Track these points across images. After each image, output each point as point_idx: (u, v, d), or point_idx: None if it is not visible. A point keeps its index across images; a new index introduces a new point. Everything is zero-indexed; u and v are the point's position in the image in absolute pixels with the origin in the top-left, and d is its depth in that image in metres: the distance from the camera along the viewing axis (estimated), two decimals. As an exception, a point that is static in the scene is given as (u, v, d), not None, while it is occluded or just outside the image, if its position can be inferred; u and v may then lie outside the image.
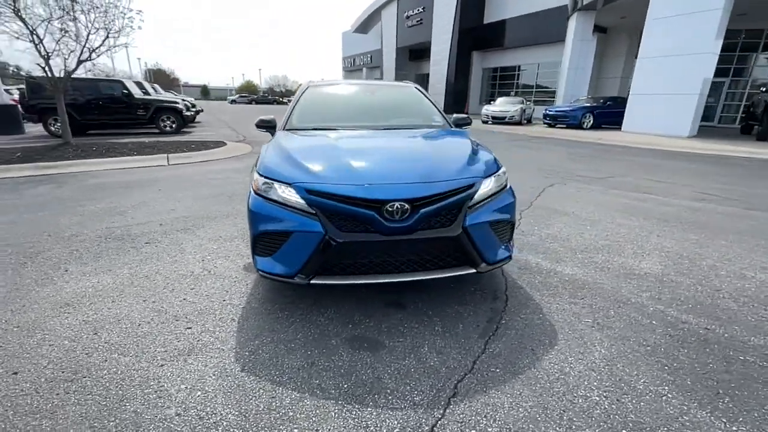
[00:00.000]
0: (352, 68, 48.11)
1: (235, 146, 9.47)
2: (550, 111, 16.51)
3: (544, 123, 16.96)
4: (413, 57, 35.16)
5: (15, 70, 13.56)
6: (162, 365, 1.80)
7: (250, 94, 69.74)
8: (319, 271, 2.12)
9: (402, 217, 2.07)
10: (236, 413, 1.53)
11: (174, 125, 12.67)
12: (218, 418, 1.51)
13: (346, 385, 1.69)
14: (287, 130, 3.23)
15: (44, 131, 11.45)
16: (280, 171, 2.29)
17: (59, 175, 6.11)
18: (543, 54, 23.91)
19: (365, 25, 42.96)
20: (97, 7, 7.55)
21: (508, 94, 24.50)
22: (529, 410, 1.56)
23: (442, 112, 3.64)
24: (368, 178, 2.18)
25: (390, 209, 2.06)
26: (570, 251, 3.21)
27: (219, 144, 9.52)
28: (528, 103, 19.04)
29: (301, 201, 2.11)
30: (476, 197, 2.25)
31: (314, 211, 2.08)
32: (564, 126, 15.92)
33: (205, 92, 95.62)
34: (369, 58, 42.69)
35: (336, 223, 2.07)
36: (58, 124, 11.23)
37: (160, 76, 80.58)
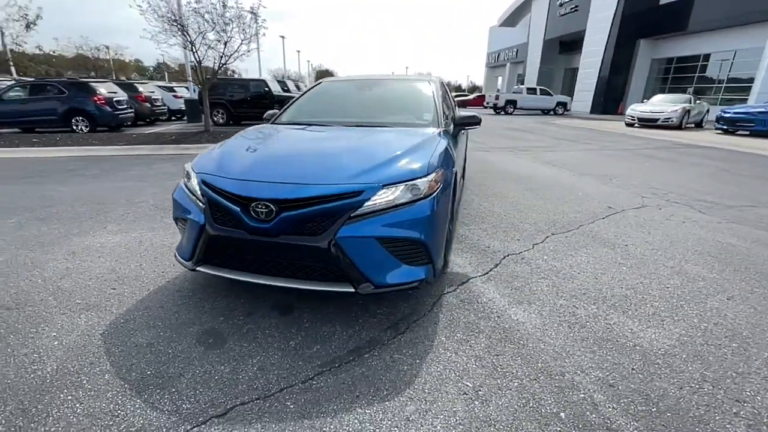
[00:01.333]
0: (495, 64, 45.91)
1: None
2: (726, 113, 12.42)
3: (717, 129, 12.93)
4: (564, 49, 31.35)
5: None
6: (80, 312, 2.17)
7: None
8: (203, 259, 2.19)
9: (266, 218, 1.96)
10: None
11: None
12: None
13: (149, 372, 1.73)
14: (273, 123, 3.37)
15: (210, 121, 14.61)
16: (203, 163, 2.42)
17: (187, 155, 7.74)
18: (742, 38, 18.16)
19: (513, 18, 40.31)
20: (233, 20, 9.17)
21: (685, 91, 19.47)
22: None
23: (440, 111, 3.22)
24: (253, 175, 2.13)
25: (256, 208, 1.97)
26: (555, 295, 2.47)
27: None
28: (699, 102, 14.82)
29: (198, 191, 2.21)
30: (366, 207, 1.96)
31: (204, 202, 2.15)
32: (747, 133, 11.85)
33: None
34: (514, 53, 39.96)
35: (214, 215, 2.10)
36: (221, 115, 14.30)
37: (322, 76, 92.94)
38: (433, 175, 2.19)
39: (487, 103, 26.11)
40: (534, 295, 2.45)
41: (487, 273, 2.75)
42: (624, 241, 3.36)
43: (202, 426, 1.46)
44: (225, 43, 9.19)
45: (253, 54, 10.21)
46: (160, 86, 17.39)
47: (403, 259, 2.06)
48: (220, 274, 2.14)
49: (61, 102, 11.19)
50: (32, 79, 13.80)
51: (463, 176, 5.06)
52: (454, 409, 1.56)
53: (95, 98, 11.30)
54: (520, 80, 36.20)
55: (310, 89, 3.85)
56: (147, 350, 1.88)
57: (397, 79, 4.14)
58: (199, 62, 9.43)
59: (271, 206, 1.96)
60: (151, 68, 57.95)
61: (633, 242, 3.33)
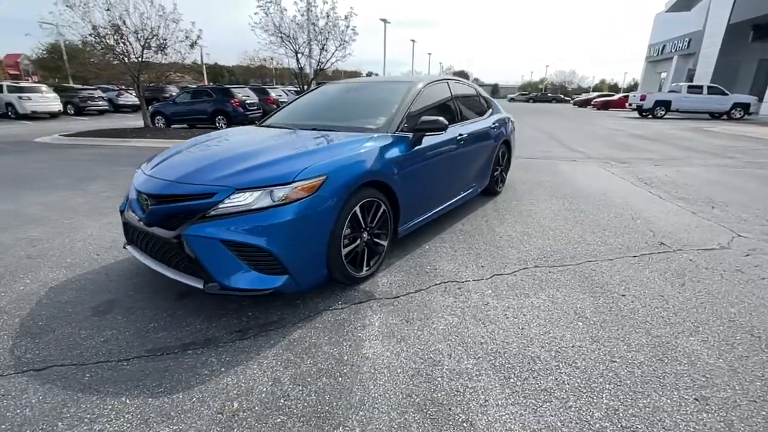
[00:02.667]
0: (658, 57, 38.07)
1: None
2: None
3: None
4: (759, 35, 23.99)
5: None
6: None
7: (532, 91, 68.62)
8: (128, 241, 2.57)
9: (146, 210, 2.20)
10: (-3, 306, 2.32)
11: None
12: None
13: (39, 323, 2.15)
14: (258, 124, 3.63)
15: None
16: (152, 158, 2.82)
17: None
18: None
19: (689, 0, 32.66)
20: (329, 30, 9.99)
21: None
22: None
23: (398, 115, 2.99)
24: (156, 171, 2.41)
25: (140, 200, 2.24)
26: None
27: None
28: None
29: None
30: (220, 209, 2.02)
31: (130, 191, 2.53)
32: None
33: (494, 90, 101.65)
34: (685, 43, 32.41)
35: (129, 204, 2.45)
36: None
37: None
38: (302, 182, 2.09)
39: (630, 104, 22.06)
40: (418, 333, 2.09)
41: (397, 297, 2.45)
42: (623, 291, 2.53)
43: (18, 375, 1.76)
44: (321, 50, 10.11)
45: (350, 58, 10.95)
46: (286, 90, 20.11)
47: (253, 265, 2.04)
48: (134, 254, 2.48)
49: (210, 104, 14.01)
50: (194, 86, 17.54)
51: (494, 184, 4.56)
52: (203, 425, 1.50)
53: (232, 101, 13.80)
54: (690, 76, 29.34)
55: (308, 92, 3.99)
56: (54, 304, 2.33)
57: (385, 80, 3.95)
58: (301, 68, 10.60)
59: (149, 200, 2.18)
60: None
61: (636, 296, 2.48)
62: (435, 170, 3.30)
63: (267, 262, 2.03)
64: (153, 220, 2.17)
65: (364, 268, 2.60)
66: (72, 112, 19.95)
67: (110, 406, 1.59)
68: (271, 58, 53.14)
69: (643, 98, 20.17)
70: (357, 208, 2.41)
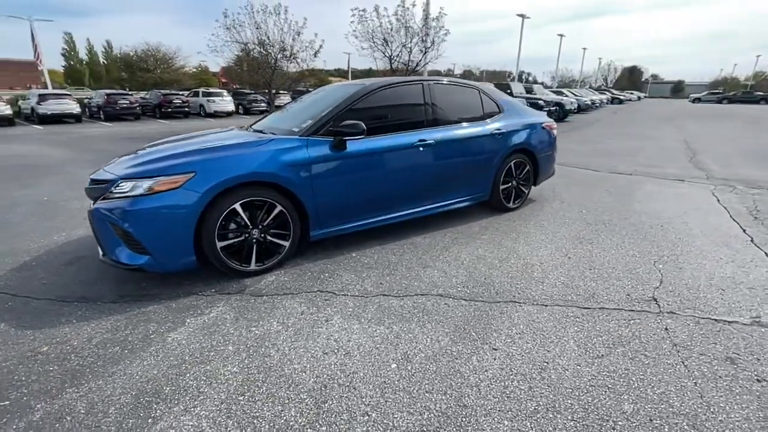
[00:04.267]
0: None
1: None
2: None
3: None
4: None
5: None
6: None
7: (729, 89, 53.28)
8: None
9: None
10: (29, 247, 3.33)
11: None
12: (28, 245, 3.39)
13: (34, 264, 3.01)
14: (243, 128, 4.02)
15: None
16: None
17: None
18: None
19: None
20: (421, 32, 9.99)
21: None
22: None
23: (320, 119, 3.00)
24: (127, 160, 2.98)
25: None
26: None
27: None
28: None
29: None
30: (113, 193, 2.47)
31: None
32: None
33: (677, 89, 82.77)
34: None
35: None
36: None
37: (626, 75, 78.75)
38: (165, 177, 2.39)
39: None
40: (232, 331, 2.13)
41: (261, 296, 2.50)
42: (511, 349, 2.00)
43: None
44: (410, 52, 10.22)
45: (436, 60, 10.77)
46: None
47: (127, 243, 2.43)
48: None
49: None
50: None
51: (499, 198, 4.12)
52: None
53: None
54: None
55: (309, 95, 4.21)
56: (58, 255, 3.19)
57: (342, 85, 3.82)
58: (393, 71, 10.93)
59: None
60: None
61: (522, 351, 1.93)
62: (375, 176, 3.15)
63: (133, 242, 2.39)
64: (90, 196, 2.75)
65: (253, 264, 2.73)
66: (241, 111, 25.05)
67: (-9, 328, 2.19)
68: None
69: None
70: (237, 206, 2.56)
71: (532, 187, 4.52)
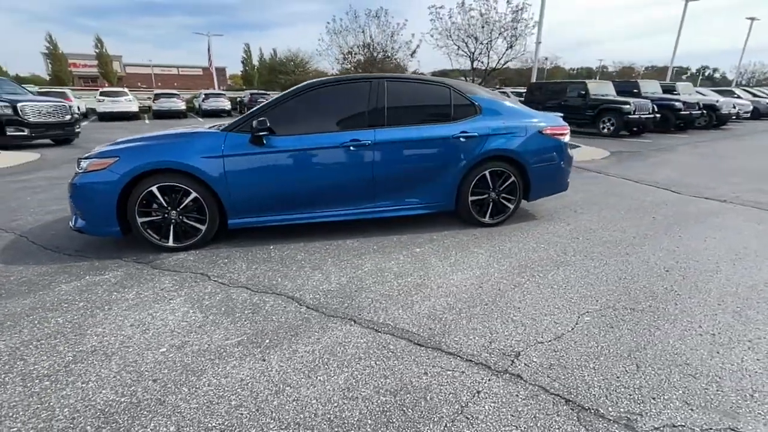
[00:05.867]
0: None
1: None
2: None
3: None
4: None
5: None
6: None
7: None
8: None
9: None
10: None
11: (612, 128, 11.62)
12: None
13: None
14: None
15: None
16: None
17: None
18: None
19: None
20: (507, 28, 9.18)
21: None
22: (-23, 249, 3.24)
23: (247, 117, 3.17)
24: None
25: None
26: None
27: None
28: None
29: None
30: (80, 170, 3.13)
31: None
32: None
33: None
34: None
35: None
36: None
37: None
38: (96, 160, 2.94)
39: None
40: (104, 296, 2.50)
41: (159, 268, 2.84)
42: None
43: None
44: (488, 49, 9.48)
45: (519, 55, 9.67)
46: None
47: (74, 210, 3.06)
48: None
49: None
50: None
51: (468, 210, 3.62)
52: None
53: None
54: None
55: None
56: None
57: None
58: (473, 69, 10.33)
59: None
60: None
61: None
62: (296, 174, 3.18)
63: (76, 209, 3.00)
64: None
65: (171, 242, 3.10)
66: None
67: (-11, 258, 3.05)
68: (546, 58, 50.75)
69: None
70: (154, 189, 2.95)
71: (525, 201, 3.84)
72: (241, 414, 1.56)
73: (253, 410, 1.58)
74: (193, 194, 3.03)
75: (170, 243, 3.11)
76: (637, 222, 3.88)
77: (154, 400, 1.63)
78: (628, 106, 11.36)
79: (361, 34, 15.01)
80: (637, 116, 11.38)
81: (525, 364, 1.84)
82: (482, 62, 9.97)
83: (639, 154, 8.43)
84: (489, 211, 3.70)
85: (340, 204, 3.37)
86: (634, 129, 11.86)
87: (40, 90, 17.26)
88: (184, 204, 3.05)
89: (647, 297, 2.46)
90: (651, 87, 14.32)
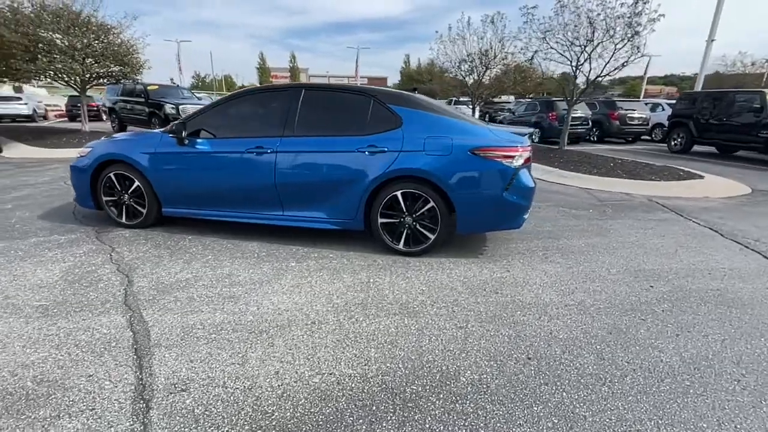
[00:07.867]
0: None
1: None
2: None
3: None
4: None
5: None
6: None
7: None
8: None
9: None
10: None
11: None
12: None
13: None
14: None
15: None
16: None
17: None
18: None
19: None
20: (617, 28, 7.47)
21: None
22: None
23: (181, 121, 3.57)
24: None
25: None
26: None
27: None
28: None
29: None
30: None
31: None
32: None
33: None
34: None
35: None
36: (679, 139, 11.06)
37: None
38: (83, 149, 3.84)
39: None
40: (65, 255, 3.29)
41: (105, 242, 3.53)
42: None
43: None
44: (588, 55, 7.81)
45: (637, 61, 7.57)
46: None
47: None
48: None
49: (533, 116, 14.13)
50: (529, 99, 17.33)
51: (379, 232, 3.34)
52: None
53: (550, 114, 13.21)
54: None
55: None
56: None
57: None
58: (575, 77, 8.72)
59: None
60: None
61: None
62: (209, 174, 3.46)
63: (73, 186, 3.98)
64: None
65: (124, 219, 3.79)
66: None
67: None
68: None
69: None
70: (111, 175, 3.68)
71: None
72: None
73: None
74: (136, 183, 3.65)
75: (123, 220, 3.82)
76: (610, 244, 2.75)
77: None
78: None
79: (478, 41, 14.33)
80: None
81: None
82: (583, 71, 8.23)
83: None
84: (404, 237, 3.24)
85: (250, 207, 3.50)
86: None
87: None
88: (131, 189, 3.71)
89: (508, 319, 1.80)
90: None
